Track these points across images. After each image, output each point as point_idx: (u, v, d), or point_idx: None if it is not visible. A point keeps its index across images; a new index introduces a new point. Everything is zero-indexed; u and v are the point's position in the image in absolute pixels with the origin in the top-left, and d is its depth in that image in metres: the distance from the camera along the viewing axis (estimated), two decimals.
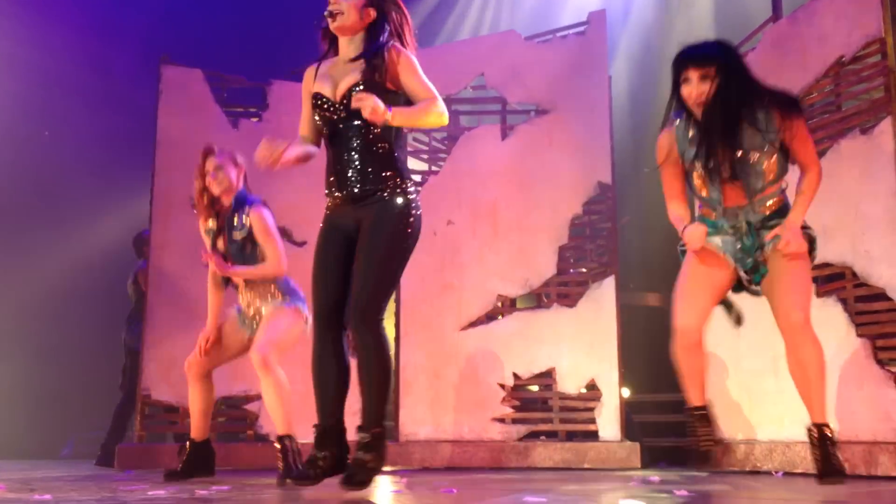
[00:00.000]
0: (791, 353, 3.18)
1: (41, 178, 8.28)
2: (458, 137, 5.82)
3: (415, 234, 2.95)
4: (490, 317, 5.47)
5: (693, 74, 3.06)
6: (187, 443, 4.01)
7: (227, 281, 4.09)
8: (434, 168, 5.87)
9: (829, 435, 3.05)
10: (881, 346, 4.14)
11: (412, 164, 5.86)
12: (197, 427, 4.00)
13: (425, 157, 5.93)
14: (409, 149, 5.75)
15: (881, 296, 4.18)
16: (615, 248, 5.41)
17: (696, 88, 3.05)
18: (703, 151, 3.07)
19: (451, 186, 5.71)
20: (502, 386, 5.32)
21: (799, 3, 4.94)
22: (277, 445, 3.74)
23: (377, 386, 2.84)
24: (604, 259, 5.41)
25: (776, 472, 4.39)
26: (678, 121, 3.20)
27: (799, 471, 4.32)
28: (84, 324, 8.09)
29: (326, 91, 2.99)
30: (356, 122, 2.90)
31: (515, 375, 5.33)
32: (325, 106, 2.98)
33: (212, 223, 4.01)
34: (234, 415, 5.55)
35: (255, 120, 5.85)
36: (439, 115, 2.92)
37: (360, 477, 2.80)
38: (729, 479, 3.96)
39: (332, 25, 2.98)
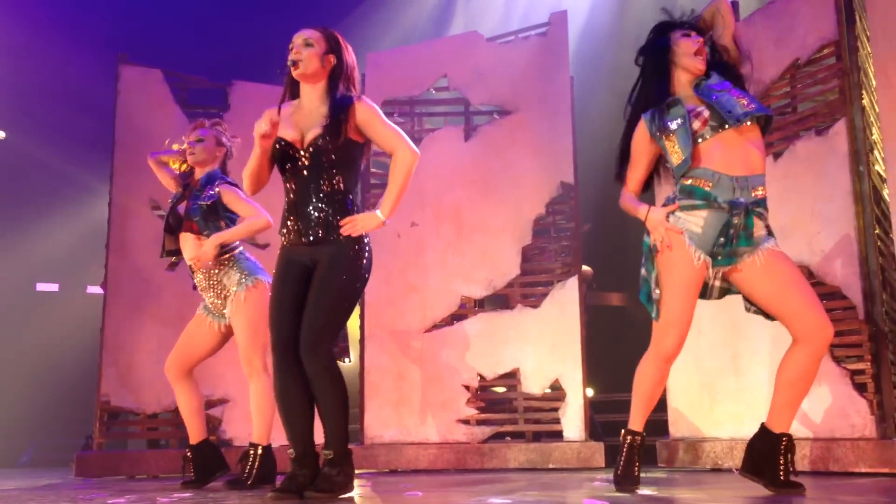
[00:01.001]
0: (798, 361, 2.94)
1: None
2: (422, 139, 5.82)
3: (364, 275, 3.07)
4: (454, 318, 5.48)
5: (691, 32, 3.05)
6: (187, 451, 3.95)
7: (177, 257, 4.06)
8: None
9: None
10: (837, 343, 4.21)
11: (375, 166, 5.89)
12: (192, 430, 3.96)
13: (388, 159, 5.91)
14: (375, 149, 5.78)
15: (836, 294, 4.26)
16: (578, 248, 5.45)
17: (698, 42, 3.00)
18: (725, 99, 2.93)
19: (415, 188, 5.63)
20: (467, 387, 5.33)
21: (753, 7, 5.01)
22: (252, 451, 3.75)
23: (335, 410, 2.94)
24: (567, 259, 5.45)
25: (736, 470, 4.44)
26: (650, 115, 3.06)
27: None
28: (43, 327, 7.95)
29: (290, 136, 3.07)
30: (318, 171, 3.01)
31: (480, 376, 5.35)
32: (290, 152, 3.06)
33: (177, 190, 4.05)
34: None
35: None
36: (412, 160, 3.11)
37: (324, 486, 2.86)
38: (691, 477, 4.01)
39: (296, 73, 3.09)
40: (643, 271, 3.05)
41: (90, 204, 8.21)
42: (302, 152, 3.04)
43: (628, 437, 3.11)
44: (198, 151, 4.00)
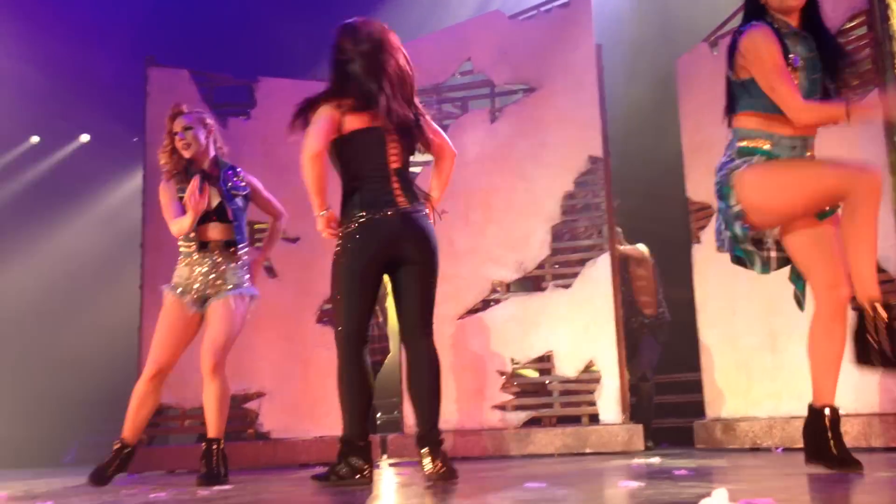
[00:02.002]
0: (815, 327, 2.78)
1: (35, 182, 8.29)
2: (448, 126, 5.82)
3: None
4: (486, 303, 5.49)
5: None
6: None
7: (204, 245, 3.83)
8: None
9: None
10: None
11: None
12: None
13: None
14: None
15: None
16: (611, 223, 5.36)
17: None
18: (819, 55, 2.81)
19: None
20: (501, 373, 5.33)
21: None
22: (210, 447, 3.68)
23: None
24: (598, 235, 5.38)
25: (776, 449, 4.43)
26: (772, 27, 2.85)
27: (799, 446, 4.33)
28: (83, 328, 8.11)
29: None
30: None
31: (513, 361, 5.34)
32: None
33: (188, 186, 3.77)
34: (235, 414, 5.58)
35: (243, 118, 5.88)
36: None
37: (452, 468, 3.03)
38: (729, 457, 3.99)
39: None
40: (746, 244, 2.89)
41: (124, 205, 8.35)
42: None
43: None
44: (189, 138, 3.81)
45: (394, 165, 3.09)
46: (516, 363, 5.34)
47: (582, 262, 5.36)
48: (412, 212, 3.08)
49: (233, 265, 3.83)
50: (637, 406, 5.78)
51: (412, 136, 3.15)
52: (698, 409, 5.16)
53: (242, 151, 5.47)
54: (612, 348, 5.14)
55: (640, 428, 4.99)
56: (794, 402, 4.48)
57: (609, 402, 5.09)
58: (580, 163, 5.43)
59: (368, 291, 3.07)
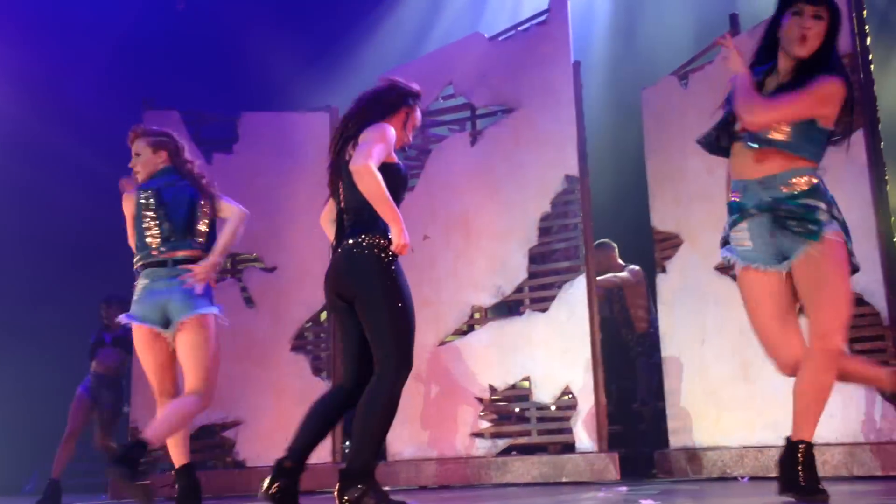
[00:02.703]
0: (801, 370, 2.91)
1: (33, 225, 8.34)
2: (430, 151, 5.88)
3: None
4: (465, 329, 5.55)
5: (808, 9, 2.85)
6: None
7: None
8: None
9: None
10: (859, 350, 4.33)
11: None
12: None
13: (410, 173, 6.01)
14: None
15: (859, 301, 4.33)
16: (588, 243, 5.35)
17: (807, 23, 2.84)
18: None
19: (426, 201, 5.78)
20: (480, 399, 5.36)
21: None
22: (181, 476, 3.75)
23: None
24: (575, 257, 5.36)
25: (742, 478, 4.49)
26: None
27: (774, 475, 4.41)
28: (44, 354, 8.05)
29: None
30: None
31: (492, 388, 5.36)
32: None
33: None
34: (213, 442, 5.71)
35: (226, 153, 6.09)
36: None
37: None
38: (696, 487, 4.03)
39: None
40: None
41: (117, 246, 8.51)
42: None
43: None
44: (139, 167, 3.95)
45: None
46: (494, 389, 5.37)
47: (559, 285, 5.36)
48: None
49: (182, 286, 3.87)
50: (644, 432, 5.79)
51: None
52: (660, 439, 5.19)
53: (225, 185, 5.50)
54: (589, 373, 5.11)
55: (615, 456, 4.96)
56: (769, 432, 4.58)
57: (585, 429, 5.10)
58: (557, 183, 5.43)
59: None
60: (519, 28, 5.84)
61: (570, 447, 5.13)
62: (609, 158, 7.26)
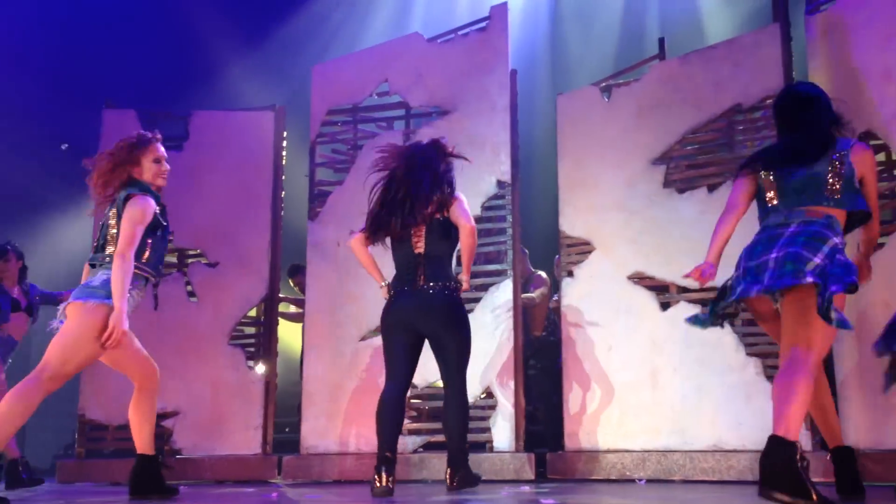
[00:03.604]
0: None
1: None
2: (362, 147, 5.91)
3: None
4: None
5: None
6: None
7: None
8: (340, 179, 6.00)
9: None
10: (772, 364, 4.66)
11: (323, 174, 6.03)
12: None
13: (340, 167, 6.06)
14: (319, 159, 5.89)
15: None
16: (516, 248, 5.49)
17: None
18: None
19: (354, 197, 5.79)
20: None
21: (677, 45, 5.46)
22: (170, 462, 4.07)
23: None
24: (502, 260, 5.49)
25: (639, 480, 4.67)
26: None
27: (677, 478, 4.63)
28: None
29: None
30: None
31: (413, 385, 5.40)
32: None
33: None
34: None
35: (177, 150, 6.17)
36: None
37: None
38: (596, 488, 4.17)
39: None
40: None
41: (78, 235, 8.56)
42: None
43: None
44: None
45: None
46: (415, 387, 5.41)
47: (485, 288, 5.47)
48: None
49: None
50: (538, 433, 5.95)
51: None
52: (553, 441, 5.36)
53: (175, 182, 5.71)
54: (510, 375, 5.25)
55: (531, 457, 5.09)
56: (675, 437, 4.83)
57: (503, 430, 5.21)
58: (489, 187, 5.55)
59: None
60: (459, 32, 5.94)
61: (488, 446, 5.24)
62: (539, 165, 7.42)
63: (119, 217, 3.80)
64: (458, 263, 4.16)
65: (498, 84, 5.68)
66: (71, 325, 3.65)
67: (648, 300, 5.13)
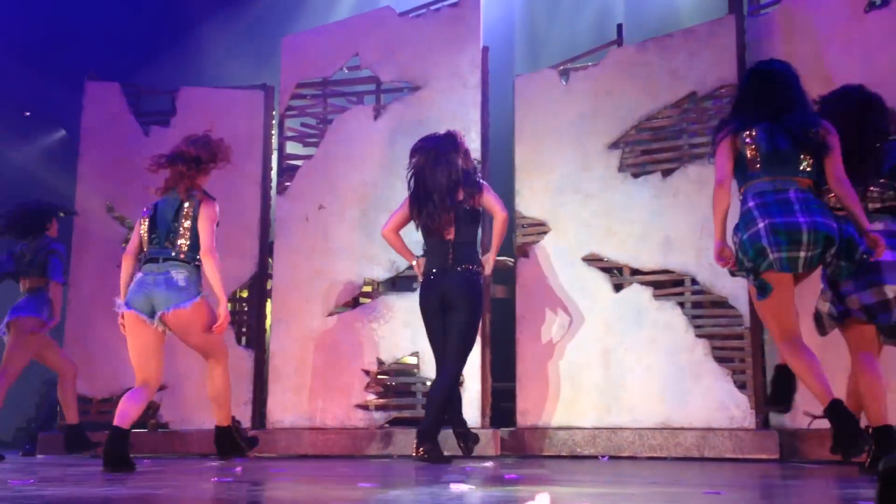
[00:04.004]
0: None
1: None
2: (331, 121, 5.90)
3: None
4: (357, 301, 5.64)
5: None
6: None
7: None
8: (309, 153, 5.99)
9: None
10: (719, 346, 4.89)
11: (291, 148, 6.02)
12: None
13: (309, 141, 6.07)
14: (288, 133, 5.87)
15: (724, 303, 4.87)
16: (485, 225, 5.42)
17: None
18: None
19: (324, 171, 5.83)
20: (367, 372, 5.45)
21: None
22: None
23: None
24: None
25: (602, 457, 4.78)
26: None
27: (626, 454, 4.78)
28: None
29: None
30: None
31: (379, 361, 5.46)
32: None
33: None
34: None
35: (164, 126, 6.22)
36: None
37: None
38: (554, 465, 4.31)
39: None
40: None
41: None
42: None
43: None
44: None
45: None
46: (382, 363, 5.46)
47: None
48: None
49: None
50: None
51: None
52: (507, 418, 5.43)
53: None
54: (476, 352, 5.24)
55: (496, 433, 5.15)
56: (625, 415, 4.98)
57: (469, 405, 5.23)
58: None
59: None
60: (431, 7, 5.93)
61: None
62: (500, 145, 7.48)
63: (195, 216, 4.22)
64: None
65: (469, 61, 5.70)
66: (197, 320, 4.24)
67: (602, 282, 5.23)
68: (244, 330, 5.95)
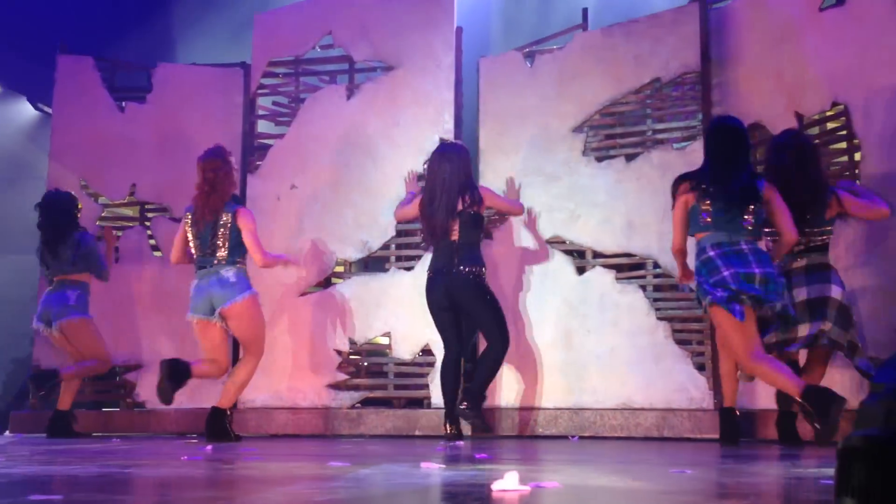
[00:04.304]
0: None
1: None
2: (304, 100, 5.89)
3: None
4: (329, 281, 5.65)
5: None
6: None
7: None
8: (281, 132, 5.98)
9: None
10: (679, 329, 5.00)
11: (264, 127, 6.02)
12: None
13: (281, 120, 6.05)
14: (260, 112, 5.85)
15: (684, 287, 4.85)
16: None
17: None
18: None
19: (296, 150, 5.82)
20: (339, 352, 5.47)
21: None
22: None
23: None
24: None
25: (572, 437, 4.85)
26: None
27: (587, 434, 4.87)
28: None
29: None
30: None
31: (351, 341, 5.49)
32: None
33: None
34: (114, 384, 5.92)
35: (140, 102, 6.16)
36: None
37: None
38: (522, 445, 4.40)
39: None
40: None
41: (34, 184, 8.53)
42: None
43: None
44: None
45: None
46: (354, 343, 5.49)
47: (426, 246, 5.48)
48: None
49: None
50: None
51: None
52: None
53: (136, 134, 6.04)
54: None
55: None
56: (587, 396, 5.06)
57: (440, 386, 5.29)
58: (432, 145, 5.52)
59: None
60: None
61: (426, 402, 5.36)
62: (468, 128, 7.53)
63: (233, 224, 4.62)
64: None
65: (443, 41, 5.70)
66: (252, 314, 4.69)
67: (565, 264, 5.31)
68: None
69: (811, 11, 4.78)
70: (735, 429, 4.15)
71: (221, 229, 4.60)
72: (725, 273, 3.82)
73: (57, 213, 5.31)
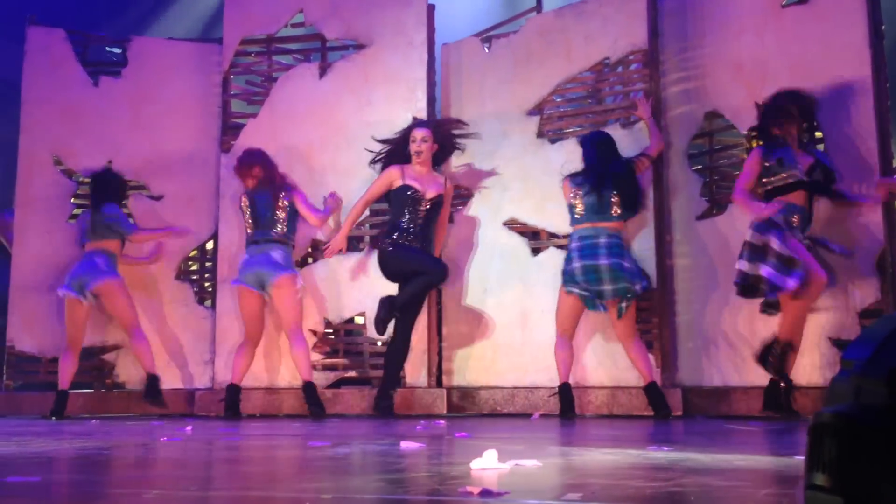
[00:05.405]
0: None
1: None
2: (276, 78, 5.85)
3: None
4: (303, 261, 5.66)
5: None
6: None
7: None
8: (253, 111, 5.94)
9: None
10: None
11: (238, 107, 5.97)
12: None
13: (254, 99, 6.04)
14: (233, 91, 5.80)
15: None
16: None
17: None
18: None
19: (269, 129, 5.79)
20: (314, 332, 5.48)
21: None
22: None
23: None
24: None
25: (533, 416, 4.91)
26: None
27: (542, 412, 4.94)
28: None
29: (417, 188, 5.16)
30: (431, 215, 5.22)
31: (327, 321, 5.50)
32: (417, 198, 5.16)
33: None
34: (92, 364, 5.81)
35: (115, 77, 6.10)
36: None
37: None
38: (490, 423, 4.46)
39: (419, 160, 5.19)
40: None
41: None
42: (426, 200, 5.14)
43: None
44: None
45: None
46: (329, 323, 5.51)
47: None
48: None
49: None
50: None
51: None
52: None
53: (111, 110, 5.99)
54: (423, 312, 5.36)
55: (444, 392, 5.29)
56: (541, 375, 5.14)
57: (417, 365, 5.37)
58: (404, 124, 5.53)
59: None
60: None
61: (402, 381, 5.35)
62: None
63: (289, 203, 5.29)
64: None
65: (415, 18, 5.72)
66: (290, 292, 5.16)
67: (521, 245, 5.39)
68: (207, 288, 5.92)
69: (773, 6, 4.83)
70: (570, 403, 4.60)
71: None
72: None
73: (97, 185, 5.51)
